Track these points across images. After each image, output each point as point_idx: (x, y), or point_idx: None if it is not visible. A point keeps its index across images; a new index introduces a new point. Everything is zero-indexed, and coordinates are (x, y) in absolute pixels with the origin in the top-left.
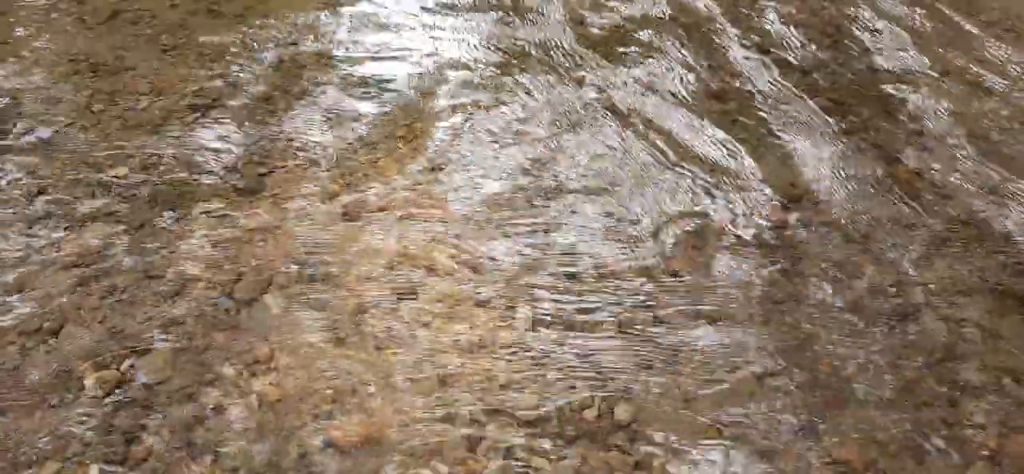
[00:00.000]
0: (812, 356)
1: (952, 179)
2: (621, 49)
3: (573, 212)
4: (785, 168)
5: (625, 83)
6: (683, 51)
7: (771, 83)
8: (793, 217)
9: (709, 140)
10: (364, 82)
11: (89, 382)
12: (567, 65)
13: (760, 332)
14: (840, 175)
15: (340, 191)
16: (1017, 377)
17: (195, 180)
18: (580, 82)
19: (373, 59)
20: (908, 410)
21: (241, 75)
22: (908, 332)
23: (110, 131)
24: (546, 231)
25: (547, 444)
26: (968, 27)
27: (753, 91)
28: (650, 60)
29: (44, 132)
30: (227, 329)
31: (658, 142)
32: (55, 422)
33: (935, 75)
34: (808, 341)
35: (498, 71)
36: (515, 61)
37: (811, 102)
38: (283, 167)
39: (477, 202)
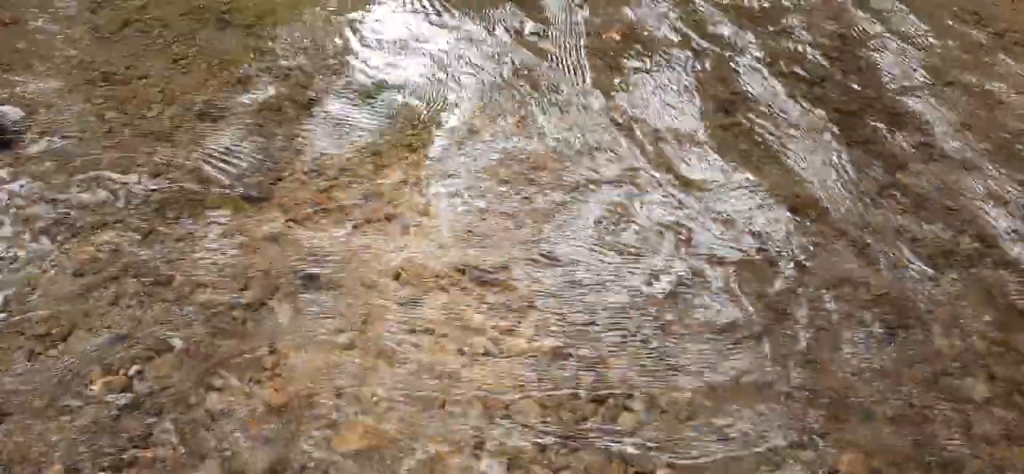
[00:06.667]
0: (817, 367)
1: (960, 190)
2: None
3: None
4: (791, 178)
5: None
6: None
7: (779, 93)
8: (798, 226)
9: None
10: (372, 91)
11: (97, 386)
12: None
13: (763, 342)
14: (846, 186)
15: (348, 200)
16: (1023, 390)
17: (204, 188)
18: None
19: (381, 69)
20: (913, 421)
21: (250, 84)
22: (913, 343)
23: (121, 139)
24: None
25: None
26: (978, 38)
27: (760, 101)
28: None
29: (56, 140)
30: (234, 336)
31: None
32: (62, 426)
33: (943, 86)
34: (812, 352)
35: (508, 84)
36: (527, 76)
37: (819, 112)
38: (291, 175)
39: (484, 211)
